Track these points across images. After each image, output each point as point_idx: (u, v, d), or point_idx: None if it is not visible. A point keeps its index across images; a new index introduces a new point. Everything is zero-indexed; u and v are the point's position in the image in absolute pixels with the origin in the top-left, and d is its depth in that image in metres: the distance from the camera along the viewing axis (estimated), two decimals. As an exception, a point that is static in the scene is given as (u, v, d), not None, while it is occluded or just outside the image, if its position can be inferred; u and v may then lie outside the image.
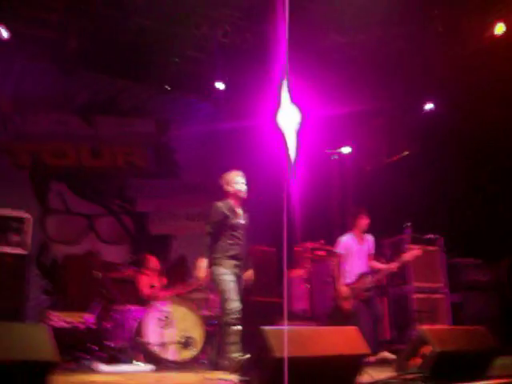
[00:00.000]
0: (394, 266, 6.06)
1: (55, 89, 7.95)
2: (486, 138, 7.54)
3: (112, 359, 5.42)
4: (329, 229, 7.69)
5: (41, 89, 7.80)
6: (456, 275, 7.21)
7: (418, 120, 8.47)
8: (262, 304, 6.61)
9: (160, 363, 5.38)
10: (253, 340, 3.38)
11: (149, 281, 6.25)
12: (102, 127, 8.43)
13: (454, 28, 6.80)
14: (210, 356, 5.57)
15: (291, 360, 3.01)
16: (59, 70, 7.48)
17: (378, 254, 6.72)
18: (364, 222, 6.16)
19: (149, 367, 5.27)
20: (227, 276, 4.82)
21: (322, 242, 7.69)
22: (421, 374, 3.71)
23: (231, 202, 5.07)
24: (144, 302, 5.96)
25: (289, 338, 3.20)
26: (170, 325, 5.64)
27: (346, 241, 6.15)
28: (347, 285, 6.00)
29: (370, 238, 6.26)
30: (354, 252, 6.09)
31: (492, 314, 7.09)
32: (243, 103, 8.23)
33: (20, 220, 6.15)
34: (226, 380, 3.89)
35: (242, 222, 5.07)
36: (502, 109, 6.95)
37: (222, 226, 4.95)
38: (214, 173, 8.93)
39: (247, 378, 3.39)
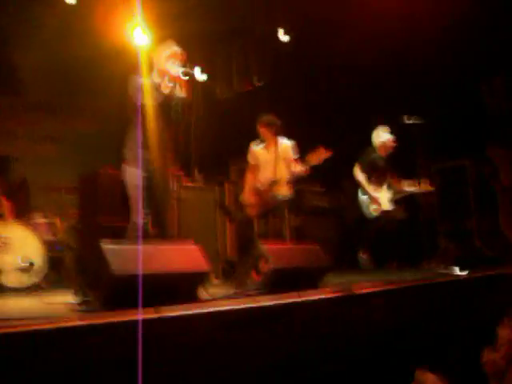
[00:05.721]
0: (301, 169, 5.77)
1: None
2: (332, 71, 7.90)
3: None
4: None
5: None
6: (299, 201, 7.56)
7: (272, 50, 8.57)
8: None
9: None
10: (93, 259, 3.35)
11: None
12: None
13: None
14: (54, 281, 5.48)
15: (131, 277, 3.04)
16: None
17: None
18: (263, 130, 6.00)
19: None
20: None
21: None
22: (258, 290, 3.92)
23: None
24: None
25: (129, 256, 3.21)
26: (9, 250, 5.41)
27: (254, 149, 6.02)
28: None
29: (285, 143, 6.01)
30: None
31: (329, 236, 7.63)
32: (95, 19, 7.72)
33: None
34: (67, 302, 3.83)
35: None
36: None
37: None
38: (60, 91, 8.56)
39: (88, 298, 3.36)
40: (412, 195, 7.11)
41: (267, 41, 8.58)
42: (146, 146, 4.38)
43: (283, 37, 8.30)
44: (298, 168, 5.77)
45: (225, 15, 7.88)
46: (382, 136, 6.94)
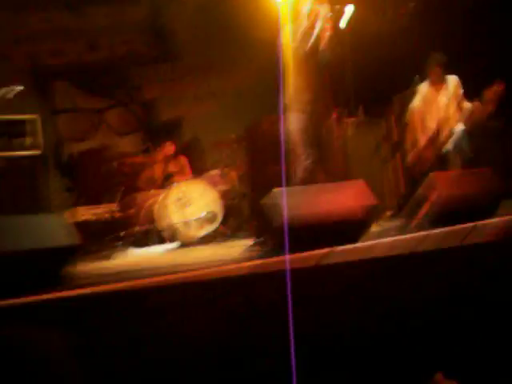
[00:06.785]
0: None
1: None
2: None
3: (139, 242, 5.68)
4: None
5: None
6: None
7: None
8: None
9: (184, 241, 5.63)
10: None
11: (164, 166, 6.42)
12: (94, 19, 8.20)
13: None
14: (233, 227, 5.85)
15: (300, 218, 3.17)
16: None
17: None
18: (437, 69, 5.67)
19: (174, 245, 5.53)
20: None
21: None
22: (428, 218, 3.85)
23: None
24: (162, 185, 6.15)
25: (298, 198, 3.34)
26: (190, 204, 5.83)
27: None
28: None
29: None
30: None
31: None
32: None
33: (28, 122, 6.19)
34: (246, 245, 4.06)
35: None
36: None
37: None
38: (215, 51, 8.87)
39: (261, 240, 3.57)
40: None
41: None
42: (304, 89, 4.43)
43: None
44: (470, 105, 5.46)
45: None
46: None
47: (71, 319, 2.31)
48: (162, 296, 2.63)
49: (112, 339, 2.50)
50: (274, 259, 2.98)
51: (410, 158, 5.80)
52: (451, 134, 5.52)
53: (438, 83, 5.63)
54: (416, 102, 5.72)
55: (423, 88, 5.72)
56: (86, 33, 8.14)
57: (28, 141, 6.13)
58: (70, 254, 2.77)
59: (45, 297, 2.32)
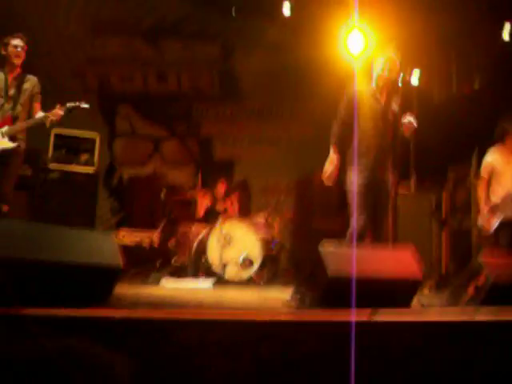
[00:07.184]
0: None
1: (122, 12, 8.04)
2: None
3: (175, 275, 5.69)
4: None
5: (108, 12, 7.93)
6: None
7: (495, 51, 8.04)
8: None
9: (219, 281, 5.62)
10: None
11: (212, 203, 6.48)
12: (167, 51, 8.50)
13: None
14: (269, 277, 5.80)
15: (346, 280, 3.12)
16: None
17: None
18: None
19: (208, 283, 5.51)
20: None
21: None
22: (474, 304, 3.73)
23: None
24: (206, 222, 6.18)
25: (345, 259, 3.30)
26: (232, 245, 5.83)
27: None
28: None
29: None
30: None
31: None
32: (310, 28, 8.03)
33: (89, 140, 6.37)
34: (282, 299, 4.02)
35: None
36: None
37: None
38: (277, 98, 9.04)
39: (299, 295, 3.51)
40: None
41: (490, 41, 8.08)
42: (365, 153, 4.43)
43: (507, 36, 7.75)
44: None
45: (446, 16, 7.60)
46: None
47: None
48: (188, 333, 2.60)
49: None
50: (320, 311, 2.95)
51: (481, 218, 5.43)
52: None
53: (509, 150, 5.37)
54: (489, 158, 5.44)
55: (491, 155, 5.45)
56: (156, 63, 8.42)
57: (84, 158, 6.30)
58: (115, 274, 2.79)
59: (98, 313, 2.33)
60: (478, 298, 3.77)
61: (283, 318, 2.68)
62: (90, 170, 6.28)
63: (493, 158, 5.41)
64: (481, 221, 5.40)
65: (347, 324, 2.63)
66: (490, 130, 6.01)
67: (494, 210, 5.30)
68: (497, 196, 5.32)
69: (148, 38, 8.33)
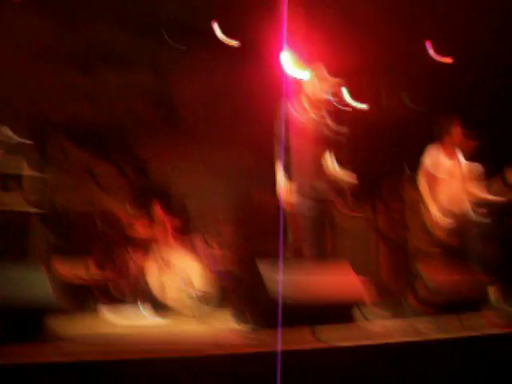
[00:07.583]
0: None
1: (54, 39, 7.88)
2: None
3: (114, 303, 5.52)
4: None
5: (39, 40, 7.75)
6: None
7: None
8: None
9: (163, 311, 5.48)
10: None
11: (147, 228, 6.37)
12: (100, 78, 8.35)
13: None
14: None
15: (284, 300, 3.10)
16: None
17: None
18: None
19: (157, 319, 5.33)
20: None
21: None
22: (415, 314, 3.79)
23: None
24: (144, 247, 6.07)
25: (287, 282, 3.29)
26: (168, 268, 5.74)
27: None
28: None
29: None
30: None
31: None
32: (244, 47, 8.07)
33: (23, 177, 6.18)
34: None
35: None
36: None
37: None
38: (215, 122, 9.02)
39: (246, 320, 3.47)
40: None
41: (417, 56, 8.36)
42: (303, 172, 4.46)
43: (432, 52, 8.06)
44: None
45: (374, 37, 7.81)
46: None
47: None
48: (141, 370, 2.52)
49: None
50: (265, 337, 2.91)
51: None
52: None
53: (452, 151, 5.50)
54: (428, 158, 5.54)
55: (433, 149, 5.56)
56: (89, 90, 8.26)
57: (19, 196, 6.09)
58: (52, 310, 2.67)
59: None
60: (420, 307, 3.83)
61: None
62: (24, 208, 6.08)
63: (432, 157, 5.54)
64: (434, 217, 5.41)
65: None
66: (420, 140, 6.19)
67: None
68: (440, 193, 5.40)
69: (80, 64, 8.17)
